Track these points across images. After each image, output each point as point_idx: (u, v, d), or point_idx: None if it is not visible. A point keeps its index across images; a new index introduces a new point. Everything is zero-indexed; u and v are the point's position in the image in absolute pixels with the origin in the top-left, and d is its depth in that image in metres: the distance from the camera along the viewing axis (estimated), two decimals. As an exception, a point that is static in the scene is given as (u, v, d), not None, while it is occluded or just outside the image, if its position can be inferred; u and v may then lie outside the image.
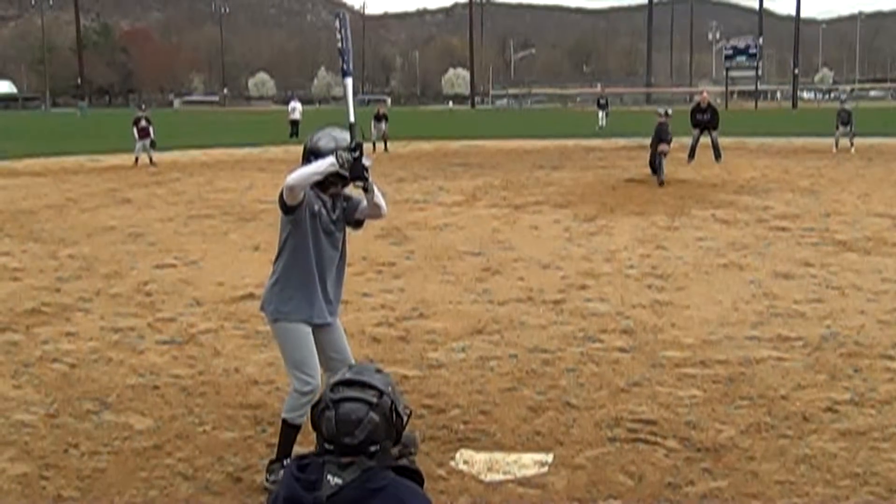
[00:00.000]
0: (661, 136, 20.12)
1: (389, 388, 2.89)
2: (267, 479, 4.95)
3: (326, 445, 2.83)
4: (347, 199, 4.99)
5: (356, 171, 4.60)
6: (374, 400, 2.83)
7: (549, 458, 5.24)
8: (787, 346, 7.39)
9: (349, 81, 4.88)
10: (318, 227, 4.87)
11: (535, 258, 11.34)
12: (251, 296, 8.95)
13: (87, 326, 8.36)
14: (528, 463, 5.18)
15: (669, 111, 21.50)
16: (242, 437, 5.65)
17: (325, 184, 4.81)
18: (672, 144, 20.49)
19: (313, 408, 2.90)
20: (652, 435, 5.55)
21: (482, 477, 5.01)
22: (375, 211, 4.96)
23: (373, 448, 2.82)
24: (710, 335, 7.72)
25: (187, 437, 5.66)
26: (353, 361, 5.06)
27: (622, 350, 7.36)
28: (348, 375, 2.90)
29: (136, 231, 14.05)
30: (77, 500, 4.84)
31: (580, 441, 5.49)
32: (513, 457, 5.26)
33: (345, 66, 4.87)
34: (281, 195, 4.71)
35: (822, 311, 8.52)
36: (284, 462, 4.79)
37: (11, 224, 15.01)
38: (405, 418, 2.93)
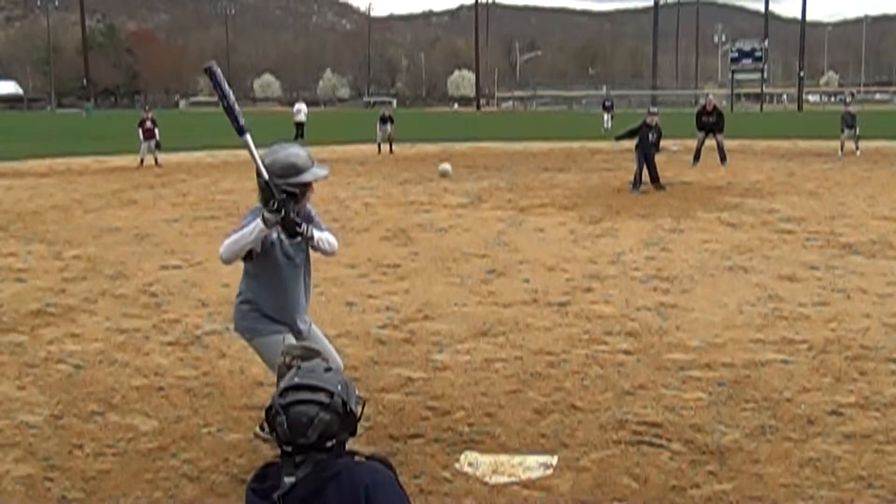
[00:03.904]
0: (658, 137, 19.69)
1: (339, 387, 2.92)
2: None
3: (284, 448, 2.90)
4: (310, 219, 4.91)
5: (287, 231, 4.57)
6: (326, 400, 2.87)
7: (554, 460, 5.24)
8: (791, 348, 7.38)
9: (248, 138, 4.66)
10: (276, 256, 4.84)
11: (540, 260, 11.33)
12: (256, 297, 8.95)
13: (92, 327, 8.37)
14: (533, 465, 5.18)
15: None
16: (247, 438, 5.65)
17: (306, 196, 4.78)
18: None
19: (266, 413, 2.96)
20: (657, 437, 5.55)
21: (487, 479, 5.01)
22: (322, 253, 4.94)
23: (329, 444, 2.88)
24: (715, 338, 7.71)
25: (192, 438, 5.66)
26: (339, 360, 5.11)
27: (627, 352, 7.35)
28: (296, 380, 2.93)
29: (141, 232, 14.07)
30: (81, 501, 4.85)
31: (585, 443, 5.49)
32: (517, 459, 5.26)
33: (235, 125, 4.67)
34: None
35: (828, 314, 8.51)
36: None
37: (17, 225, 15.05)
38: (359, 411, 2.98)
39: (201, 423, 5.91)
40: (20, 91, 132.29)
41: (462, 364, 7.10)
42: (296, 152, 4.76)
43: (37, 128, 58.36)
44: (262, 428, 5.38)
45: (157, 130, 27.12)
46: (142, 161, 26.79)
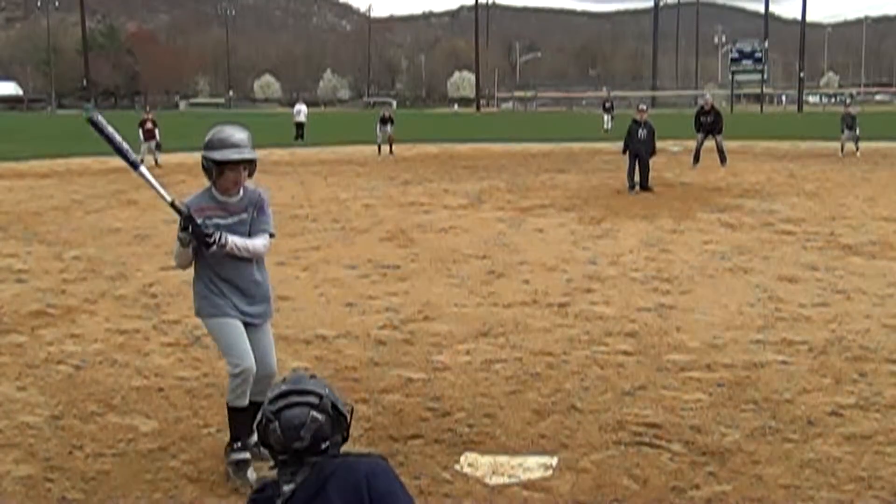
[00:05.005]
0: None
1: (327, 390, 3.00)
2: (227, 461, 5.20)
3: (280, 457, 2.94)
4: (261, 208, 5.12)
5: (200, 243, 4.87)
6: (315, 401, 2.94)
7: (554, 461, 5.24)
8: (792, 350, 7.38)
9: (143, 170, 4.98)
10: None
11: (540, 261, 11.33)
12: (256, 298, 8.94)
13: (92, 328, 8.37)
14: (533, 466, 5.18)
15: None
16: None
17: (226, 176, 4.98)
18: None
19: (258, 426, 2.99)
20: (657, 438, 5.55)
21: (487, 480, 5.01)
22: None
23: (324, 445, 2.93)
24: (715, 339, 7.71)
25: (192, 439, 5.66)
26: (274, 366, 5.26)
27: (627, 353, 7.35)
28: (284, 388, 3.00)
29: (141, 233, 14.07)
30: (81, 501, 4.84)
31: (585, 444, 5.48)
32: (517, 460, 5.26)
33: (127, 162, 4.98)
34: None
35: (828, 315, 8.51)
36: (234, 445, 5.08)
37: (17, 225, 15.05)
38: (348, 415, 3.04)
39: (201, 424, 5.91)
40: (20, 92, 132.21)
41: (462, 365, 7.10)
42: (231, 132, 5.02)
43: (37, 128, 58.37)
44: (231, 476, 5.07)
45: (157, 131, 27.14)
46: (142, 161, 26.72)
